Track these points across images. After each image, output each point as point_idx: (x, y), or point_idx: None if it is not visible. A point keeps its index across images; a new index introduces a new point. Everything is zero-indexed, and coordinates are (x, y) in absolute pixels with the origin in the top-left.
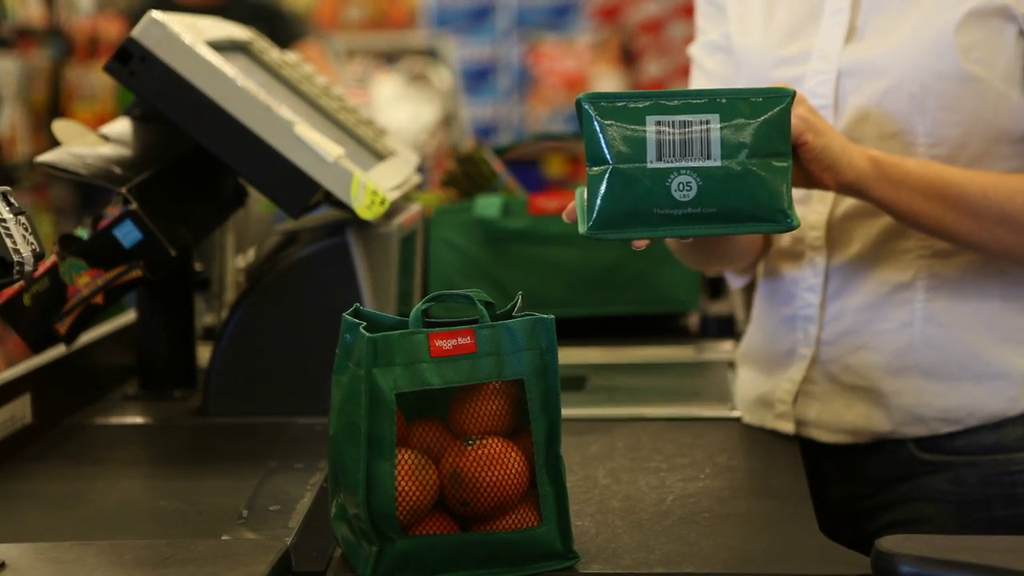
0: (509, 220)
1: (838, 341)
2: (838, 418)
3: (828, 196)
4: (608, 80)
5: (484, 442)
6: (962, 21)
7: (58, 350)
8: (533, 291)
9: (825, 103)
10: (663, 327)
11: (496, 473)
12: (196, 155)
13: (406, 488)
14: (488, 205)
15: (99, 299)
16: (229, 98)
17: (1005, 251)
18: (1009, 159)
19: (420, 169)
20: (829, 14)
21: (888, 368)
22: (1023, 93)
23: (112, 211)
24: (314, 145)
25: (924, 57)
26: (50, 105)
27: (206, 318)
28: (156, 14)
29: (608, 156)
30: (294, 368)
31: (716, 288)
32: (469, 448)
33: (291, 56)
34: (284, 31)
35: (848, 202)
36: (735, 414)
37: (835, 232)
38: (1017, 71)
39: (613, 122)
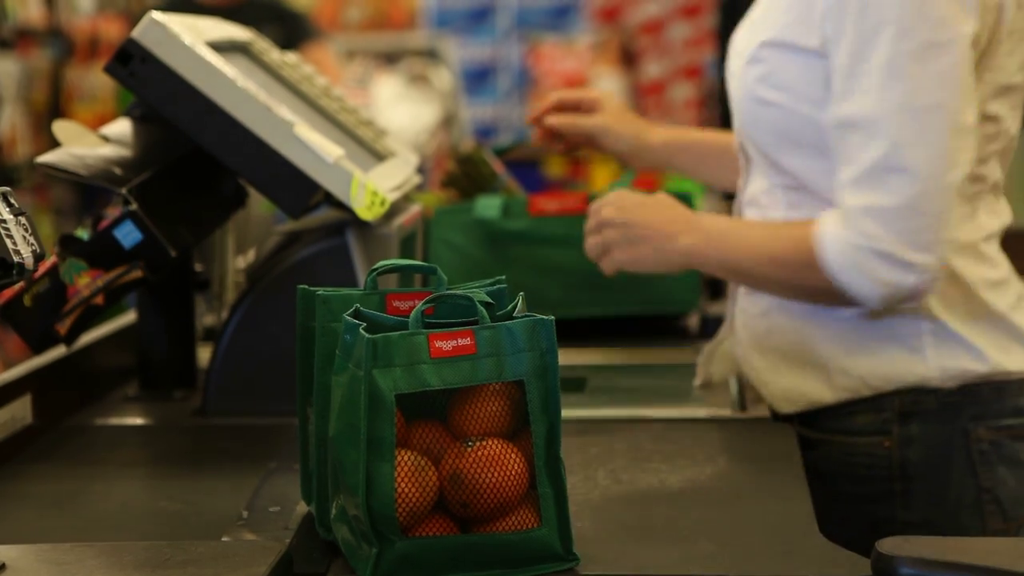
0: (509, 221)
1: (737, 316)
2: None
3: (743, 178)
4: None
5: (484, 443)
6: (752, 53)
7: (58, 351)
8: (533, 292)
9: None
10: (663, 328)
11: (496, 474)
12: (196, 156)
13: (406, 489)
14: (488, 206)
15: (99, 300)
16: (229, 99)
17: (797, 299)
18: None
19: (420, 170)
20: (760, 9)
21: (757, 347)
22: (824, 110)
23: (112, 212)
24: (314, 146)
25: (735, 80)
26: (50, 106)
27: (206, 319)
28: (156, 15)
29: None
30: (294, 369)
31: (716, 288)
32: (469, 449)
33: (291, 57)
34: (298, 32)
35: (747, 190)
36: (736, 414)
37: (741, 215)
38: (808, 83)
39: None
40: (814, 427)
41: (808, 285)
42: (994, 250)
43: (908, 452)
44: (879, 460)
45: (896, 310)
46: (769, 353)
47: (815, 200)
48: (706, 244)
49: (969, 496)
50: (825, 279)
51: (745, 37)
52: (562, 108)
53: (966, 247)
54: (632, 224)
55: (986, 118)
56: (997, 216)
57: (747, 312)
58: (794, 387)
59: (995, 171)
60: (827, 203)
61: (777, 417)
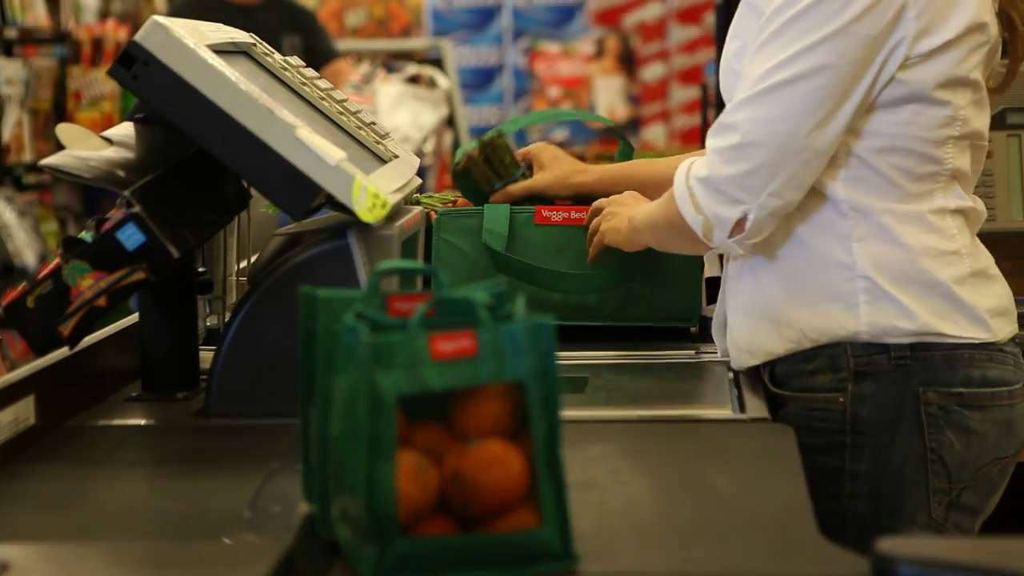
0: (514, 235)
1: (725, 284)
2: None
3: None
4: (608, 83)
5: (485, 444)
6: (732, 30)
7: (62, 352)
8: (534, 299)
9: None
10: (663, 329)
11: (496, 475)
12: (199, 158)
13: (407, 489)
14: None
15: (102, 301)
16: (232, 102)
17: (689, 248)
18: None
19: (420, 173)
20: None
21: (732, 307)
22: None
23: (115, 214)
24: (316, 148)
25: (724, 58)
26: (54, 109)
27: (209, 320)
28: (159, 19)
29: None
30: (296, 370)
31: (716, 289)
32: (470, 450)
33: (294, 60)
34: (318, 34)
35: None
36: (736, 415)
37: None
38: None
39: None
40: (783, 387)
41: (674, 221)
42: (951, 226)
43: (860, 408)
44: (833, 415)
45: (831, 267)
46: (738, 310)
47: None
48: (643, 222)
49: (914, 454)
50: (682, 220)
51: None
52: None
53: (908, 215)
54: (615, 202)
55: (935, 101)
56: (956, 199)
57: (728, 276)
58: (754, 339)
59: (955, 159)
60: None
61: (753, 379)
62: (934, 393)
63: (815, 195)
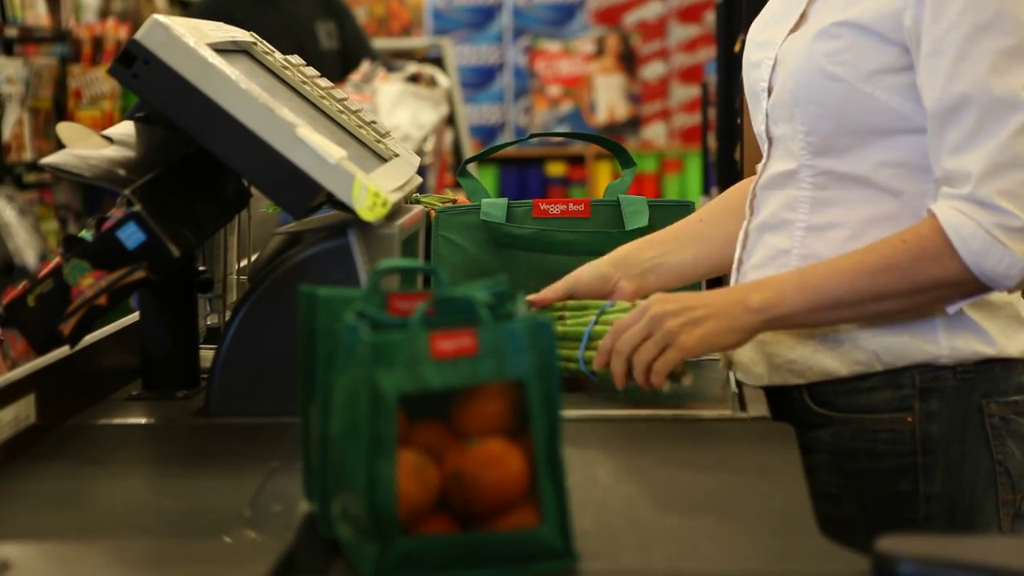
0: (513, 225)
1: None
2: (742, 357)
3: (762, 163)
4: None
5: (485, 443)
6: (824, 29)
7: (62, 351)
8: (537, 288)
9: (764, 87)
10: None
11: (497, 473)
12: (199, 157)
13: (407, 488)
14: (493, 209)
15: (103, 300)
16: (232, 100)
17: (900, 315)
18: (884, 150)
19: (420, 171)
20: (797, 5)
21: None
22: (890, 94)
23: (116, 213)
24: (316, 147)
25: (799, 54)
26: (55, 107)
27: (209, 319)
28: (159, 17)
29: None
30: (296, 369)
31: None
32: (470, 449)
33: (294, 58)
34: (351, 22)
35: (767, 173)
36: (737, 414)
37: (756, 198)
38: (882, 75)
39: None
40: (828, 406)
41: (932, 279)
42: None
43: (929, 427)
44: (901, 435)
45: None
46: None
47: (841, 181)
48: (782, 292)
49: (984, 468)
50: (955, 268)
51: (775, 30)
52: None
53: None
54: (692, 307)
55: None
56: None
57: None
58: (802, 359)
59: None
60: (852, 184)
61: (773, 394)
62: (996, 404)
63: (900, 210)
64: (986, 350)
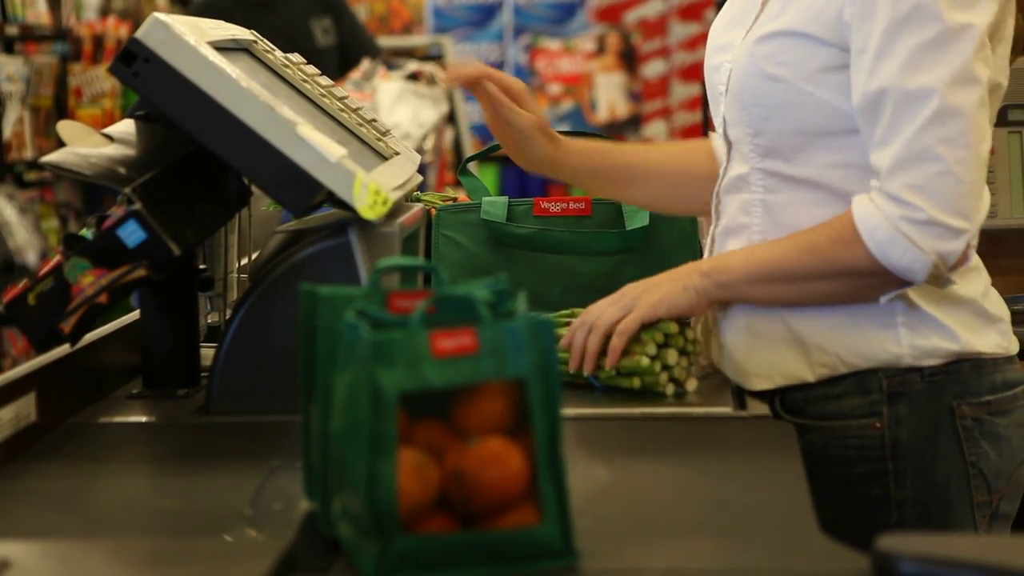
0: (514, 224)
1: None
2: (723, 366)
3: (722, 165)
4: (609, 80)
5: (485, 441)
6: (764, 34)
7: (63, 349)
8: (535, 293)
9: (722, 91)
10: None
11: (497, 472)
12: (200, 155)
13: (408, 487)
14: (493, 208)
15: (103, 298)
16: (232, 99)
17: (828, 299)
18: (831, 151)
19: (421, 170)
20: (754, 7)
21: (728, 325)
22: (833, 93)
23: (116, 211)
24: (317, 145)
25: (741, 57)
26: (55, 106)
27: (210, 317)
28: (159, 16)
29: None
30: (297, 367)
31: None
32: (470, 447)
33: (295, 56)
34: (348, 15)
35: (727, 177)
36: (736, 413)
37: (719, 202)
38: (824, 74)
39: None
40: (799, 414)
41: (846, 265)
42: None
43: (899, 431)
44: (871, 441)
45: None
46: (741, 330)
47: (791, 184)
48: (728, 260)
49: (956, 470)
50: (864, 257)
51: (733, 34)
52: (488, 83)
53: None
54: (653, 280)
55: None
56: None
57: None
58: (769, 363)
59: None
60: (802, 186)
61: (750, 395)
62: (967, 405)
63: (845, 208)
64: (949, 346)
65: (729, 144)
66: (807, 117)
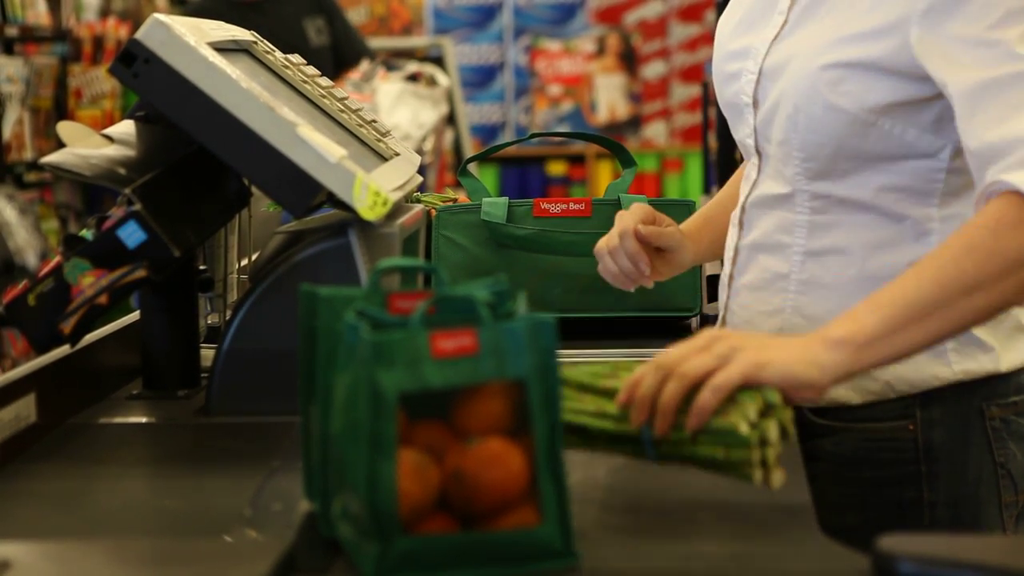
0: (514, 225)
1: (736, 312)
2: None
3: (750, 176)
4: (609, 81)
5: (485, 442)
6: (830, 62)
7: (62, 350)
8: (535, 294)
9: (748, 102)
10: (664, 327)
11: (497, 473)
12: (200, 156)
13: (408, 488)
14: (494, 209)
15: (103, 299)
16: (232, 99)
17: (995, 309)
18: (887, 175)
19: (421, 171)
20: (772, 12)
21: None
22: (896, 123)
23: (116, 212)
24: (317, 146)
25: (798, 81)
26: (55, 106)
27: (210, 318)
28: (160, 16)
29: None
30: (297, 368)
31: (714, 292)
32: (471, 448)
33: (294, 57)
34: (341, 16)
35: (758, 191)
36: None
37: (746, 214)
38: (887, 104)
39: None
40: (828, 415)
41: (1020, 253)
42: None
43: (932, 434)
44: (904, 444)
45: None
46: None
47: (841, 206)
48: (854, 316)
49: (987, 472)
50: None
51: (752, 37)
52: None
53: None
54: (755, 335)
55: None
56: None
57: (751, 310)
58: None
59: None
60: (853, 208)
61: None
62: (996, 407)
63: (902, 236)
64: (995, 367)
65: (760, 155)
66: (867, 145)
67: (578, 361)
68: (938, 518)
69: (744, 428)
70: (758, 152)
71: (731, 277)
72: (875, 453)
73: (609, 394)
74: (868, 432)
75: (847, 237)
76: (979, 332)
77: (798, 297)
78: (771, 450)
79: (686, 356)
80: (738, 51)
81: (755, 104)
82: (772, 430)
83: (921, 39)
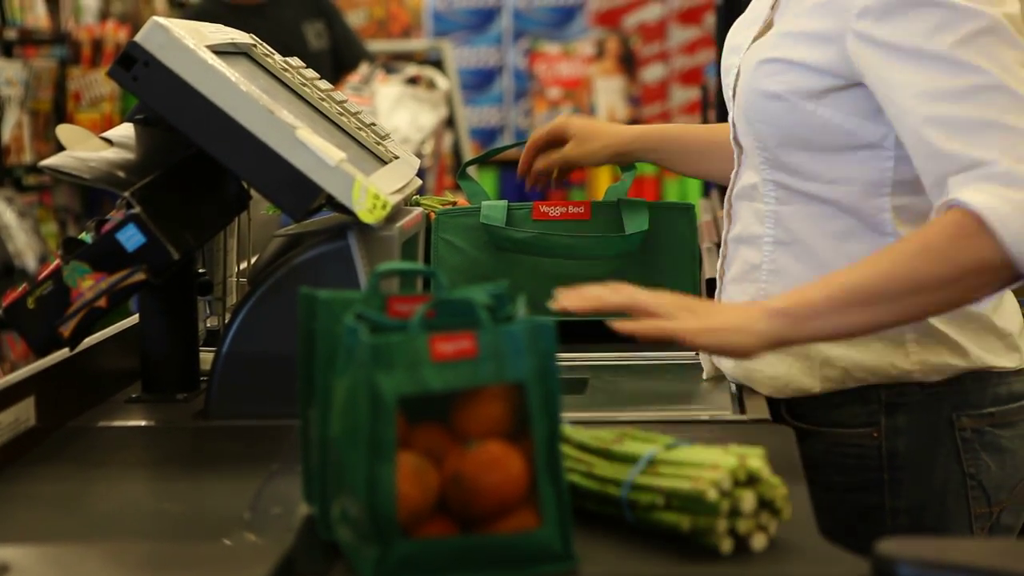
0: (513, 229)
1: (724, 302)
2: (735, 372)
3: (735, 169)
4: (609, 84)
5: (485, 445)
6: (771, 57)
7: (62, 353)
8: (534, 297)
9: (731, 95)
10: None
11: (497, 476)
12: (199, 159)
13: (407, 491)
14: (493, 212)
15: (102, 302)
16: (232, 102)
17: (934, 310)
18: (834, 167)
19: (420, 174)
20: (765, 10)
21: None
22: (834, 111)
23: (115, 215)
24: (316, 149)
25: (745, 73)
26: (54, 110)
27: (209, 321)
28: (159, 19)
29: None
30: (296, 371)
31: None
32: (470, 451)
33: (294, 60)
34: (340, 20)
35: (739, 183)
36: (736, 416)
37: (732, 207)
38: (822, 89)
39: None
40: (803, 419)
41: (975, 263)
42: None
43: (896, 442)
44: (868, 451)
45: None
46: None
47: (801, 197)
48: (803, 295)
49: (954, 482)
50: (996, 249)
51: (745, 34)
52: (539, 147)
53: None
54: (711, 303)
55: None
56: None
57: (734, 301)
58: (780, 376)
59: None
60: (811, 200)
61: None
62: (967, 417)
63: (859, 226)
64: (959, 362)
65: (740, 148)
66: (812, 135)
67: (591, 421)
68: (900, 525)
69: (712, 495)
70: (738, 144)
71: (721, 272)
72: (841, 459)
73: (604, 455)
74: (836, 437)
75: (808, 228)
76: (943, 327)
77: (768, 287)
78: (743, 522)
79: (646, 292)
80: (733, 46)
81: (735, 97)
82: (747, 501)
83: (857, 50)
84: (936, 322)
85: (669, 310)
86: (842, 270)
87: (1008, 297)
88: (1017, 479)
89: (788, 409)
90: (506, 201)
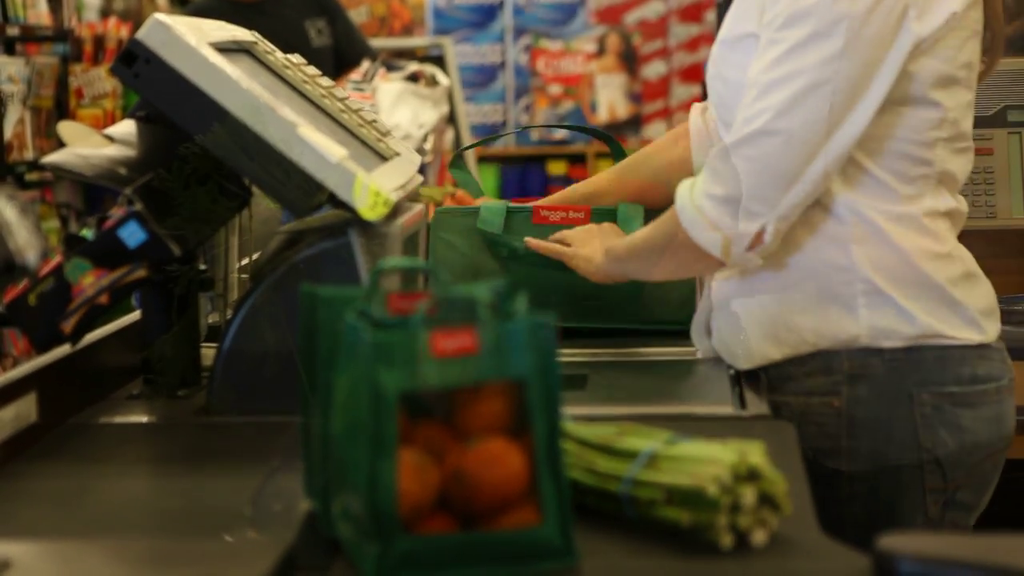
0: (511, 235)
1: (711, 285)
2: (718, 347)
3: None
4: (610, 81)
5: (486, 442)
6: (724, 38)
7: (63, 349)
8: (531, 302)
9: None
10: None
11: (497, 472)
12: (200, 156)
13: (408, 487)
14: (490, 217)
15: (104, 299)
16: (233, 99)
17: (689, 268)
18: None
19: (421, 170)
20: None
21: (721, 310)
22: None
23: (117, 212)
24: (317, 146)
25: (711, 62)
26: (56, 106)
27: (210, 318)
28: (161, 16)
29: None
30: (297, 368)
31: None
32: (471, 448)
33: (295, 57)
34: (343, 17)
35: None
36: (737, 412)
37: None
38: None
39: None
40: (778, 391)
41: (681, 241)
42: (941, 227)
43: (855, 411)
44: (829, 419)
45: (829, 271)
46: (728, 314)
47: None
48: (625, 241)
49: (910, 456)
50: (685, 231)
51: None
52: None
53: (903, 217)
54: (591, 229)
55: (928, 103)
56: (944, 201)
57: (715, 278)
58: (748, 344)
59: (944, 160)
60: None
61: (747, 376)
62: (928, 394)
63: (811, 213)
64: (906, 329)
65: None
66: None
67: (591, 416)
68: (857, 492)
69: (713, 491)
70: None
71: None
72: (805, 425)
73: (605, 451)
74: (802, 405)
75: None
76: (892, 292)
77: (745, 279)
78: (744, 517)
79: (576, 230)
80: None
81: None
82: (748, 496)
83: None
84: (884, 287)
85: (573, 239)
86: (647, 226)
87: (975, 273)
88: (977, 458)
89: (769, 382)
90: (505, 203)
